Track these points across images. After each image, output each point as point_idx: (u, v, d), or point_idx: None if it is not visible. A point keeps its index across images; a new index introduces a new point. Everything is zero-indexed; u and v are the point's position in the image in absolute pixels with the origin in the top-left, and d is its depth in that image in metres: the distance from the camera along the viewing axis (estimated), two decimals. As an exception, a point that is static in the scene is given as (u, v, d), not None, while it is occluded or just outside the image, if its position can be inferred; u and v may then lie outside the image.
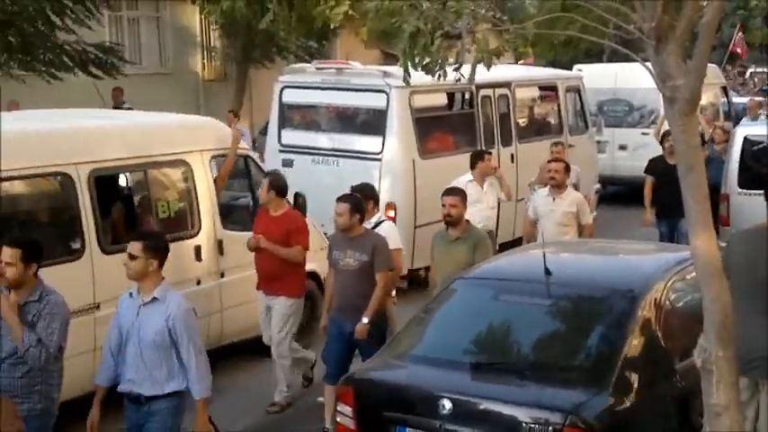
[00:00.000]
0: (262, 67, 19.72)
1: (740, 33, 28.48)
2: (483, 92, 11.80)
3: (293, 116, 11.89)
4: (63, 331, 4.99)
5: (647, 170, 10.75)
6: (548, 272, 5.32)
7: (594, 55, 23.95)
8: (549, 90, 13.78)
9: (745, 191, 10.50)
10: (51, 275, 6.42)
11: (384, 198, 10.48)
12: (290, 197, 8.61)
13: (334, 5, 6.27)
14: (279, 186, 7.50)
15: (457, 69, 5.75)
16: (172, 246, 7.46)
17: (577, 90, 14.03)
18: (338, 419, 5.13)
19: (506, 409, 4.68)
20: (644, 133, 13.27)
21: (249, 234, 8.06)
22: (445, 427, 4.69)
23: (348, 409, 5.04)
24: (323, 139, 11.29)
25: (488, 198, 9.57)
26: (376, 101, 10.83)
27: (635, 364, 4.91)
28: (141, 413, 5.07)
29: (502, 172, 10.27)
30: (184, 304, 5.12)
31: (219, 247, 7.86)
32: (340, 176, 10.77)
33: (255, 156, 9.18)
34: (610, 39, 5.74)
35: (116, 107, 14.80)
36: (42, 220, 7.06)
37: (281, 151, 11.40)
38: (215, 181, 8.01)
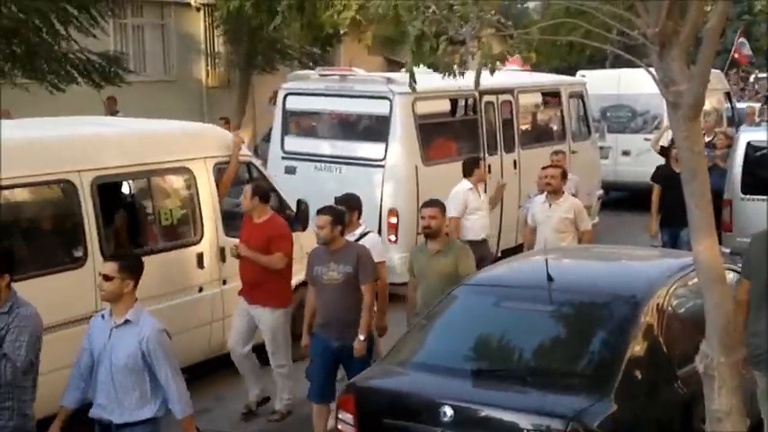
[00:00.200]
0: (265, 74, 19.76)
1: (741, 39, 28.44)
2: (486, 98, 11.80)
3: (296, 123, 11.90)
4: (32, 345, 4.72)
5: (654, 178, 10.67)
6: (550, 278, 5.31)
7: (598, 61, 23.93)
8: (552, 96, 13.77)
9: (748, 196, 10.49)
10: (53, 283, 6.47)
11: (387, 205, 10.49)
12: (293, 204, 8.65)
13: (342, 10, 6.30)
14: (262, 193, 7.40)
15: (462, 74, 5.76)
16: (174, 253, 7.58)
17: (580, 96, 14.02)
18: (339, 427, 5.12)
19: (508, 416, 4.66)
20: (647, 139, 13.26)
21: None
22: (446, 434, 4.68)
23: (349, 417, 5.03)
24: (326, 146, 11.29)
25: (486, 205, 9.59)
26: (379, 107, 10.83)
27: (637, 371, 4.89)
28: None
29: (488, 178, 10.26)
30: (158, 325, 4.93)
31: (221, 254, 7.85)
32: (343, 183, 10.75)
33: (258, 163, 9.18)
34: (613, 44, 5.74)
35: (110, 115, 14.79)
36: (45, 228, 7.05)
37: (283, 158, 11.40)
38: (217, 188, 8.02)
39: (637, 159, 14.71)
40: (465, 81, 6.40)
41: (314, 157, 11.15)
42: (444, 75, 5.69)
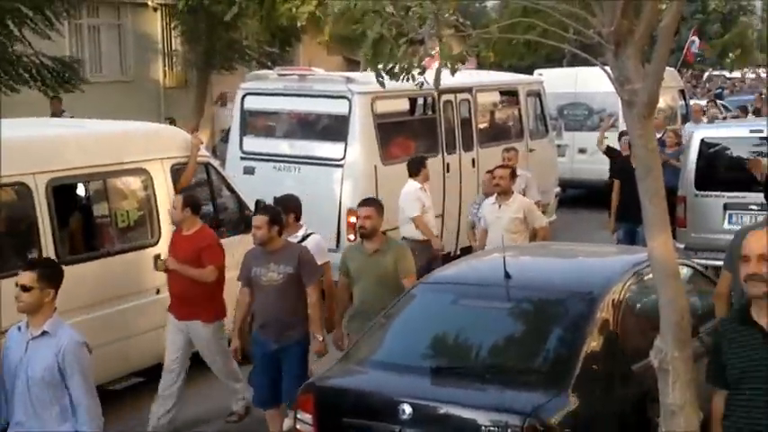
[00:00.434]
0: (224, 74, 19.65)
1: (693, 38, 28.89)
2: (445, 97, 11.85)
3: (255, 123, 11.85)
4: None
5: (612, 172, 10.77)
6: (507, 275, 5.35)
7: (555, 59, 24.17)
8: (510, 95, 13.87)
9: (702, 192, 10.64)
10: (9, 287, 6.37)
11: (346, 204, 10.49)
12: (251, 205, 8.61)
13: (300, 4, 6.29)
14: (193, 203, 7.15)
15: (421, 74, 5.77)
16: (131, 255, 7.50)
17: (538, 94, 14.13)
18: (298, 427, 5.11)
19: (466, 413, 4.68)
20: (605, 137, 13.40)
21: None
22: (405, 431, 4.69)
23: (308, 417, 5.02)
24: (285, 146, 11.26)
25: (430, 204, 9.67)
26: (338, 107, 10.82)
27: (594, 366, 4.94)
28: None
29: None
30: (77, 338, 4.64)
31: (180, 255, 7.78)
32: (302, 183, 10.75)
33: (216, 163, 9.13)
34: (570, 43, 5.79)
35: (54, 117, 14.58)
36: (-1, 231, 6.96)
37: (242, 158, 11.34)
38: (175, 189, 7.95)
39: (593, 157, 14.85)
40: (425, 82, 6.42)
41: (273, 157, 11.11)
42: (403, 79, 5.70)
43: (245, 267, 6.56)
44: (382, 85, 5.82)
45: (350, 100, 10.64)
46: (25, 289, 4.61)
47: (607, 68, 5.25)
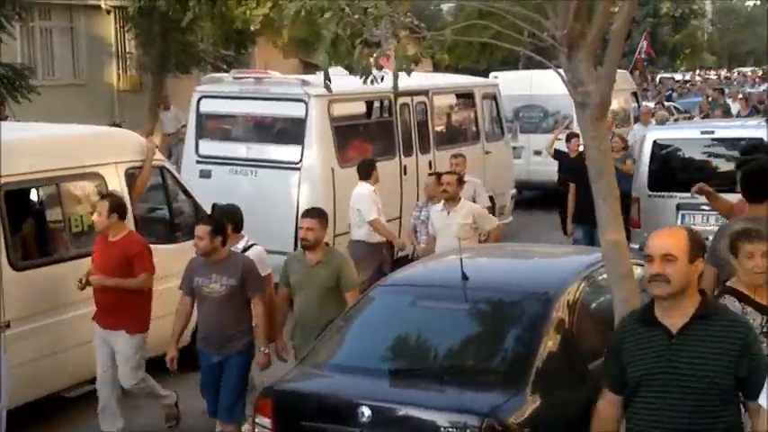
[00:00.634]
0: (179, 77, 19.51)
1: (646, 42, 29.36)
2: (401, 100, 11.89)
3: (211, 126, 11.78)
4: None
5: (568, 176, 10.72)
6: (464, 277, 5.37)
7: (511, 62, 24.37)
8: (466, 97, 13.96)
9: (655, 193, 10.79)
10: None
11: (303, 207, 10.42)
12: (208, 208, 8.55)
13: (255, 7, 6.26)
14: (120, 209, 6.90)
15: (381, 78, 5.78)
16: (86, 261, 7.40)
17: (494, 97, 14.24)
18: (256, 431, 5.09)
19: (425, 415, 4.70)
20: (558, 139, 13.54)
21: (168, 247, 7.93)
22: (364, 434, 4.70)
23: (267, 421, 5.00)
24: (241, 149, 11.22)
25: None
26: (295, 110, 10.81)
27: (551, 365, 4.99)
28: None
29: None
30: None
31: (135, 260, 7.71)
32: (259, 186, 10.73)
33: (172, 167, 9.06)
34: (525, 46, 5.84)
35: None
36: (-50, 237, 6.83)
37: (198, 162, 11.28)
38: (130, 193, 7.88)
39: (548, 159, 14.97)
40: (380, 83, 6.44)
41: (229, 160, 11.07)
42: (363, 79, 5.71)
43: (188, 277, 6.43)
44: (329, 89, 5.84)
45: (306, 103, 10.64)
46: None
47: (561, 71, 5.31)
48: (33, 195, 8.10)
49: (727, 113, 19.12)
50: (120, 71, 21.08)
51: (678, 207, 10.67)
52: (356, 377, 5.07)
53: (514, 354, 5.13)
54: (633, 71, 26.05)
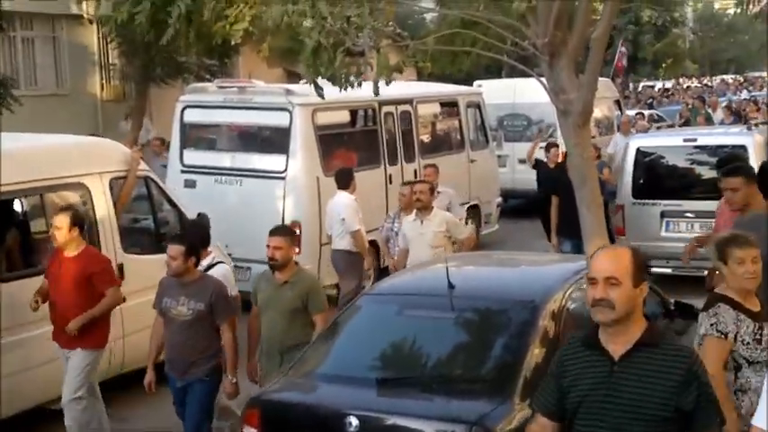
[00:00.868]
0: (162, 87, 19.47)
1: (622, 48, 29.51)
2: (385, 108, 11.91)
3: (195, 136, 11.76)
4: None
5: (551, 189, 10.63)
6: (451, 285, 5.38)
7: (494, 71, 24.44)
8: (450, 106, 14.00)
9: (639, 201, 10.85)
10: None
11: (289, 216, 10.46)
12: (193, 218, 8.53)
13: (234, 22, 6.25)
14: (81, 223, 6.66)
15: (359, 84, 5.79)
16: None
17: (478, 105, 14.28)
18: (244, 442, 5.08)
19: (412, 424, 4.70)
20: (542, 147, 13.60)
21: (153, 257, 7.88)
22: (352, 444, 4.69)
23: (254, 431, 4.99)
24: (226, 159, 11.21)
25: None
26: (279, 119, 10.81)
27: (538, 373, 4.98)
28: None
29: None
30: None
31: (120, 271, 7.68)
32: (244, 196, 10.71)
33: (157, 177, 9.03)
34: (508, 55, 5.88)
35: None
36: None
37: (183, 172, 11.26)
38: (114, 204, 7.85)
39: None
40: (364, 92, 6.45)
41: (214, 170, 11.05)
42: (342, 88, 5.72)
43: (159, 296, 6.24)
44: (321, 96, 5.83)
45: (290, 112, 10.64)
46: None
47: (543, 79, 5.34)
48: (17, 206, 8.07)
49: (708, 121, 19.24)
50: (104, 81, 21.03)
51: (662, 214, 10.74)
52: (343, 386, 5.06)
53: (501, 362, 5.13)
54: (615, 78, 26.16)
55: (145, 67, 19.08)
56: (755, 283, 4.62)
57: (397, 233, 8.70)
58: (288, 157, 10.64)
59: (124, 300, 7.02)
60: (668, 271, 10.02)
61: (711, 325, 4.53)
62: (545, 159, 12.48)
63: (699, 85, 46.29)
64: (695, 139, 11.21)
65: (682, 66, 50.83)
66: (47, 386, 6.99)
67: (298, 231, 10.37)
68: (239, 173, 10.90)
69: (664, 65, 45.80)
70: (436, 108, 14.08)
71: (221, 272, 6.60)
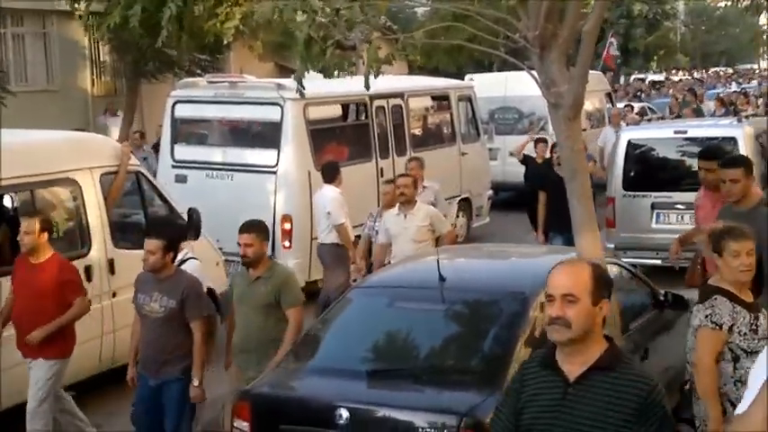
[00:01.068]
0: (153, 82, 19.43)
1: (611, 40, 29.50)
2: (377, 102, 11.91)
3: (186, 131, 11.75)
4: None
5: (539, 185, 10.56)
6: (441, 278, 5.39)
7: (485, 65, 24.45)
8: (441, 100, 14.00)
9: (629, 193, 10.87)
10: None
11: (280, 211, 10.47)
12: (184, 213, 8.53)
13: (225, 20, 6.25)
14: (50, 227, 6.48)
15: (351, 74, 5.80)
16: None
17: (469, 99, 14.29)
18: (235, 435, 5.09)
19: (403, 415, 4.71)
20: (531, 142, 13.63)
21: (143, 252, 7.88)
22: (343, 436, 4.70)
23: (245, 425, 4.99)
24: (217, 154, 11.20)
25: None
26: (270, 114, 10.80)
27: (528, 365, 5.01)
28: None
29: None
30: None
31: (111, 266, 7.69)
32: (235, 191, 10.71)
33: (147, 172, 9.03)
34: (499, 48, 5.87)
35: None
36: None
37: (174, 167, 11.24)
38: (105, 199, 7.84)
39: (525, 161, 15.04)
40: (355, 86, 6.45)
41: (205, 164, 11.04)
42: (335, 75, 5.72)
43: (135, 292, 6.11)
44: (302, 94, 5.82)
45: (282, 107, 10.63)
46: None
47: (534, 72, 5.35)
48: (7, 202, 8.06)
49: (699, 114, 19.28)
50: (95, 77, 20.97)
51: (653, 206, 10.77)
52: (334, 379, 5.07)
53: (492, 353, 5.15)
54: (605, 71, 26.19)
55: (136, 63, 19.01)
56: (750, 275, 4.65)
57: (377, 232, 8.52)
58: (279, 151, 10.64)
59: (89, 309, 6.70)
60: (658, 262, 10.04)
61: (706, 316, 4.56)
62: (533, 155, 12.49)
63: (689, 77, 46.41)
64: (686, 132, 11.23)
65: (674, 58, 50.93)
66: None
67: (289, 226, 10.41)
68: (230, 167, 10.89)
69: (656, 57, 45.87)
70: (427, 102, 14.08)
71: (191, 267, 6.43)
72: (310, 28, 5.35)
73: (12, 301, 6.51)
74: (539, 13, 5.08)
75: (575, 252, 5.31)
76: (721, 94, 24.77)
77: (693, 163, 10.85)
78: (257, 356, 5.84)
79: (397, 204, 8.14)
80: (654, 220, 10.71)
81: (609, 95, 19.89)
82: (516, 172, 15.62)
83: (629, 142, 11.12)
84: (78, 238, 7.65)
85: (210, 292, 7.28)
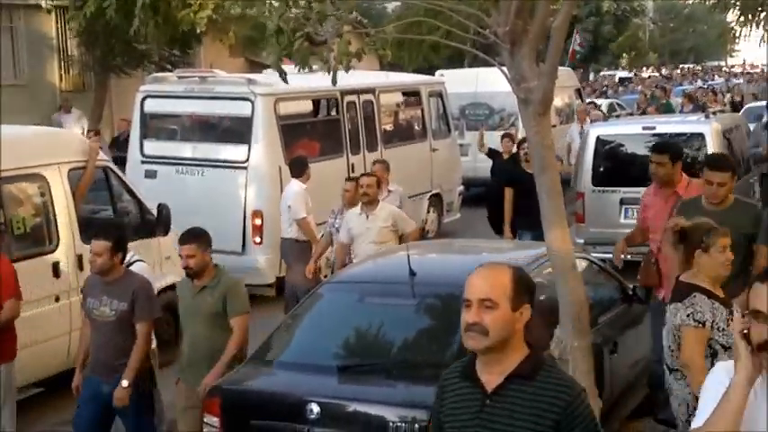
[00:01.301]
0: (122, 77, 19.26)
1: (576, 37, 29.70)
2: (348, 98, 11.90)
3: (156, 126, 11.68)
4: None
5: (505, 181, 10.52)
6: (412, 273, 5.40)
7: (457, 61, 24.50)
8: (412, 95, 14.02)
9: (599, 188, 10.95)
10: None
11: (251, 206, 10.44)
12: (154, 209, 8.48)
13: (198, 10, 6.23)
14: None
15: (328, 71, 5.78)
16: (28, 263, 7.30)
17: (440, 95, 14.32)
18: (205, 431, 5.07)
19: (374, 410, 4.72)
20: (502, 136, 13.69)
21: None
22: (313, 431, 4.70)
23: (215, 420, 4.98)
24: (187, 149, 11.14)
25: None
26: (241, 109, 10.76)
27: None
28: None
29: None
30: None
31: (79, 262, 7.61)
32: (206, 186, 10.66)
33: (116, 167, 8.96)
34: (470, 44, 5.89)
35: None
36: None
37: (143, 162, 11.17)
38: (73, 194, 7.77)
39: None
40: (326, 81, 6.44)
41: (175, 160, 10.98)
42: (304, 68, 5.70)
43: (83, 296, 5.91)
44: (284, 80, 5.79)
45: (252, 102, 10.59)
46: None
47: (504, 68, 5.37)
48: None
49: (669, 110, 19.46)
50: (63, 71, 20.74)
51: (622, 201, 10.85)
52: (304, 374, 5.08)
53: (462, 347, 5.12)
54: (574, 68, 26.36)
55: (104, 57, 18.84)
56: (729, 270, 4.74)
57: (338, 229, 8.42)
58: (250, 146, 10.60)
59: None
60: (628, 257, 10.12)
61: (688, 315, 4.57)
62: (501, 149, 12.55)
63: (657, 74, 46.81)
64: (654, 128, 11.32)
65: (644, 58, 51.37)
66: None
67: (260, 221, 10.38)
68: (201, 163, 10.84)
69: (625, 55, 46.23)
70: (398, 97, 14.11)
71: (139, 269, 6.19)
72: (280, 19, 5.34)
73: None
74: (509, 10, 5.10)
75: (545, 247, 5.34)
76: (687, 91, 25.04)
77: (662, 159, 11.00)
78: (207, 370, 5.59)
79: (360, 204, 8.03)
80: (623, 215, 10.79)
81: (578, 91, 20.01)
82: (487, 168, 15.69)
83: (597, 138, 11.19)
84: (46, 234, 7.57)
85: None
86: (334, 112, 12.09)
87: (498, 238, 10.20)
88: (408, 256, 5.45)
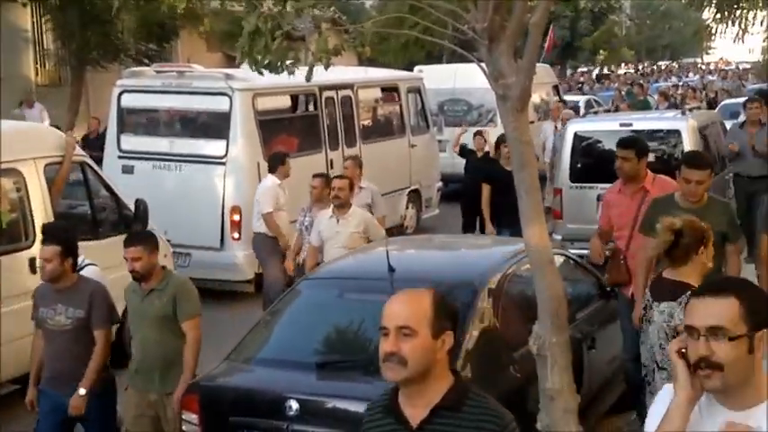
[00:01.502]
0: (100, 71, 19.13)
1: (552, 32, 29.80)
2: (326, 93, 11.89)
3: (133, 121, 11.61)
4: None
5: (481, 178, 10.55)
6: (391, 268, 5.40)
7: (436, 57, 24.50)
8: (391, 91, 14.02)
9: (576, 184, 11.00)
10: None
11: (229, 202, 10.41)
12: (131, 205, 8.44)
13: (176, -2, 6.23)
14: None
15: (292, 72, 5.75)
16: (4, 259, 7.25)
17: (418, 91, 14.34)
18: (183, 428, 5.05)
19: (353, 406, 4.71)
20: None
21: (89, 244, 7.77)
22: (292, 427, 4.69)
23: (193, 417, 4.97)
24: (165, 144, 11.08)
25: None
26: (219, 104, 10.72)
27: (476, 354, 5.06)
28: None
29: None
30: None
31: (56, 257, 7.55)
32: (184, 182, 10.62)
33: (93, 162, 8.90)
34: (449, 40, 5.90)
35: None
36: None
37: (120, 157, 11.10)
38: (50, 189, 7.72)
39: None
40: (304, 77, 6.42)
41: (152, 155, 10.92)
42: (277, 72, 5.68)
43: (34, 306, 5.63)
44: (261, 73, 5.76)
45: (230, 97, 10.56)
46: None
47: (482, 64, 5.38)
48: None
49: (646, 107, 19.56)
50: (38, 65, 20.57)
51: (599, 198, 10.88)
52: (283, 371, 5.07)
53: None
54: (552, 64, 26.46)
55: (80, 50, 18.70)
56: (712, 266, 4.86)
57: (307, 227, 8.31)
58: (228, 142, 10.57)
59: None
60: (606, 253, 10.17)
61: None
62: (474, 147, 12.58)
63: (633, 71, 47.07)
64: (631, 124, 11.38)
65: (620, 54, 51.60)
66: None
67: (238, 217, 10.35)
68: (178, 158, 10.79)
69: (602, 51, 46.42)
70: (377, 93, 14.10)
71: (90, 274, 5.93)
72: (258, 18, 5.31)
73: None
74: (487, 6, 5.11)
75: (523, 243, 5.36)
76: (661, 88, 25.20)
77: (638, 155, 11.06)
78: (159, 375, 5.46)
79: (332, 207, 7.86)
80: (600, 211, 10.84)
81: (556, 88, 20.09)
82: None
83: (575, 135, 11.24)
84: (22, 229, 7.52)
85: None
86: (312, 108, 12.07)
87: (467, 234, 10.24)
88: (387, 252, 5.46)
